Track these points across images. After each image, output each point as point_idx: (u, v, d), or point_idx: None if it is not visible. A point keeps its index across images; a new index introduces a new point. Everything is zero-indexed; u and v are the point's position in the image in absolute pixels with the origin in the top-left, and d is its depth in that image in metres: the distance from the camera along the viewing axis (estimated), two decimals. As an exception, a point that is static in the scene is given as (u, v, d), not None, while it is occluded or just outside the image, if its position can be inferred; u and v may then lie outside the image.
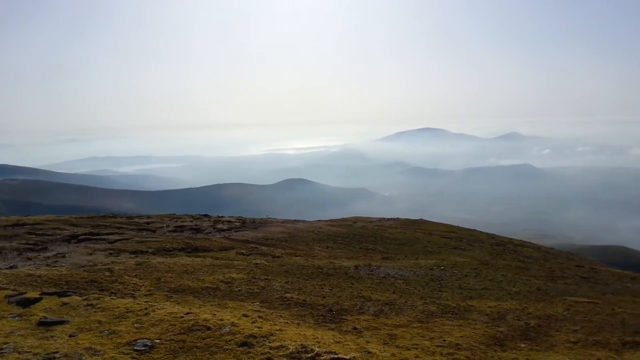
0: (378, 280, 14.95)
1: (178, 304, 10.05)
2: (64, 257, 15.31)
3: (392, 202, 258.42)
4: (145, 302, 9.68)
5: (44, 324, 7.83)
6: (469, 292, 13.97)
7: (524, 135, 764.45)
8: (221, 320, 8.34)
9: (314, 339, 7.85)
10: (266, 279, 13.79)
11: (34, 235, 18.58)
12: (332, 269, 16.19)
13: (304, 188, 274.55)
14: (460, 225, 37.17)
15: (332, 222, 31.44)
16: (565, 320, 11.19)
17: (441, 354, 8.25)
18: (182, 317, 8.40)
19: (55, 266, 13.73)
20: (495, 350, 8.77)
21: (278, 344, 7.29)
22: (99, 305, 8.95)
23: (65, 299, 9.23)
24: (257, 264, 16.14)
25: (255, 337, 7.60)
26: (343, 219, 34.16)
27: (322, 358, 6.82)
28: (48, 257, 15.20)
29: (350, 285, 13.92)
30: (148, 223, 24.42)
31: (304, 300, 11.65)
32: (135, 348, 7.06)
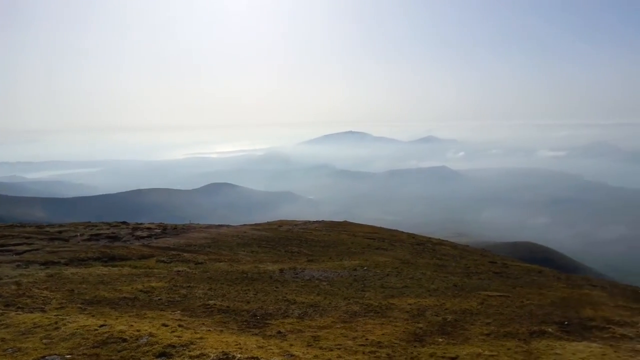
0: (303, 283, 14.99)
1: (92, 316, 9.56)
2: (-38, 271, 14.08)
3: (317, 204, 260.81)
4: (55, 315, 9.13)
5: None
6: (391, 291, 14.34)
7: (441, 138, 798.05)
8: (138, 331, 8.04)
9: (236, 345, 7.75)
10: (188, 286, 13.42)
11: None
12: (257, 274, 16.05)
13: (228, 192, 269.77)
14: (383, 227, 38.20)
15: (257, 226, 31.22)
16: (479, 314, 11.77)
17: (363, 353, 8.41)
18: (96, 329, 8.04)
19: (-47, 282, 12.59)
20: (415, 346, 9.06)
21: (198, 352, 7.12)
22: (3, 322, 8.33)
23: (-38, 317, 8.50)
24: (178, 271, 15.68)
25: (174, 346, 7.39)
26: (268, 223, 34.04)
27: (244, 364, 6.74)
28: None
29: (275, 289, 13.86)
30: (60, 232, 23.02)
31: (227, 306, 11.46)
32: (43, 365, 6.63)
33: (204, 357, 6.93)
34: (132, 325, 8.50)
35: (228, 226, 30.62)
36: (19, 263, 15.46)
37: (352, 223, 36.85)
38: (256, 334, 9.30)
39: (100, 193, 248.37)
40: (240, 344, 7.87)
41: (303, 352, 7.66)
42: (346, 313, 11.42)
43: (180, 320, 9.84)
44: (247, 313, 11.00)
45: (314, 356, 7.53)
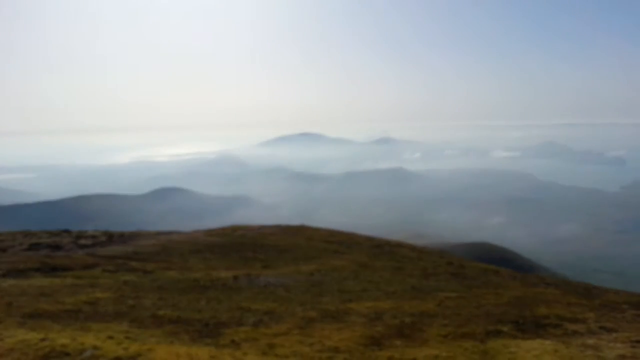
0: (258, 290, 14.63)
1: (33, 330, 8.99)
2: None
3: (273, 208, 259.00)
4: (-8, 331, 8.49)
5: None
6: (348, 295, 14.19)
7: (397, 139, 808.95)
8: (82, 344, 7.61)
9: (188, 356, 7.43)
10: (136, 296, 12.83)
11: None
12: (210, 281, 15.58)
13: (178, 197, 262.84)
14: (340, 229, 38.15)
15: (210, 232, 30.51)
16: (437, 315, 11.76)
17: (320, 359, 8.20)
18: (37, 344, 7.62)
19: None
20: (372, 350, 8.93)
21: (146, 365, 6.73)
22: None
23: None
24: (125, 281, 15.02)
25: (120, 359, 7.03)
26: (221, 228, 33.34)
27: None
28: None
29: (228, 297, 13.44)
30: (-2, 242, 21.76)
31: (178, 316, 10.99)
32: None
33: (151, 370, 6.54)
34: (75, 339, 8.04)
35: (179, 232, 29.81)
36: (-49, 276, 14.44)
37: (308, 227, 36.63)
38: (209, 344, 8.94)
39: (40, 200, 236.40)
40: (191, 354, 7.58)
41: (257, 362, 7.37)
42: (303, 319, 11.16)
43: (127, 332, 9.36)
44: (199, 322, 10.58)
45: (269, 365, 7.25)
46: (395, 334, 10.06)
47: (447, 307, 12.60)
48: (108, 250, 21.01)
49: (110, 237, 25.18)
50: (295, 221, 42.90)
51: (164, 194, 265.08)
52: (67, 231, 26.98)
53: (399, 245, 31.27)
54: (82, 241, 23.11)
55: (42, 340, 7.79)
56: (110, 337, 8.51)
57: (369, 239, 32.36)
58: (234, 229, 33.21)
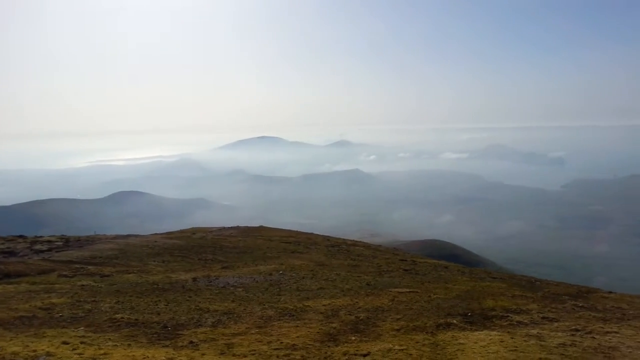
0: (217, 291, 14.71)
1: (-18, 339, 8.78)
2: None
3: (233, 210, 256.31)
4: (-61, 341, 8.28)
5: None
6: (306, 293, 14.47)
7: (353, 142, 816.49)
8: (34, 351, 7.54)
9: (144, 358, 7.49)
10: (93, 300, 12.70)
11: None
12: (169, 284, 15.53)
13: (137, 201, 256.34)
14: (299, 230, 38.41)
15: (169, 235, 30.19)
16: (390, 310, 12.19)
17: (278, 357, 8.42)
18: None
19: None
20: (328, 346, 9.21)
21: (103, 368, 6.77)
22: None
23: None
24: (82, 285, 14.79)
25: (76, 364, 6.99)
26: (181, 231, 33.04)
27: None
28: None
29: (187, 298, 13.48)
30: (-55, 250, 20.90)
31: (136, 319, 10.98)
32: None
33: (109, 373, 6.61)
34: (27, 346, 7.93)
35: (137, 236, 29.32)
36: None
37: (267, 228, 36.71)
38: (167, 346, 9.01)
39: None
40: (148, 357, 7.63)
41: (215, 361, 7.53)
42: (261, 318, 11.36)
43: (83, 337, 9.30)
44: (157, 325, 10.62)
45: (227, 364, 7.42)
46: (350, 330, 10.41)
47: (400, 302, 13.07)
48: (64, 255, 20.52)
49: (67, 242, 24.55)
50: (254, 223, 42.87)
51: (122, 197, 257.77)
52: (21, 237, 26.12)
53: (354, 244, 31.79)
54: (38, 246, 22.45)
55: (-8, 348, 7.65)
56: (65, 343, 8.46)
57: (326, 239, 32.75)
58: (194, 231, 32.96)
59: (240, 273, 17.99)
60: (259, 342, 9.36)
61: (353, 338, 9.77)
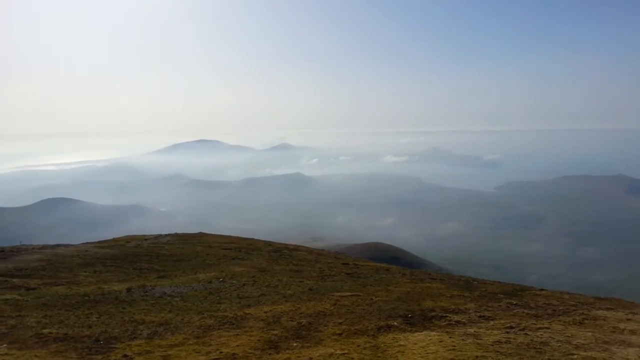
0: (153, 301, 14.16)
1: None
2: None
3: (170, 217, 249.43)
4: None
5: None
6: (247, 301, 14.20)
7: (294, 145, 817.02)
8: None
9: (74, 376, 7.01)
10: (18, 315, 11.90)
11: None
12: (101, 295, 14.80)
13: (67, 208, 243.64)
14: (240, 236, 37.87)
15: (101, 244, 28.89)
16: (332, 314, 12.17)
17: (217, 367, 8.17)
18: None
19: None
20: (269, 354, 9.06)
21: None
22: None
23: None
24: (6, 299, 13.83)
25: (-4, 387, 6.48)
26: (114, 239, 31.70)
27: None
28: None
29: (121, 310, 12.88)
30: None
31: (65, 333, 10.37)
32: None
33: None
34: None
35: (67, 245, 27.86)
36: None
37: (207, 234, 35.94)
38: (98, 361, 8.54)
39: None
40: (78, 374, 7.15)
41: (151, 375, 7.18)
42: (200, 328, 11.02)
43: (6, 355, 8.68)
44: (88, 339, 10.07)
45: (164, 378, 7.10)
46: (292, 336, 10.28)
47: (342, 306, 13.09)
48: (-17, 268, 19.13)
49: (-14, 254, 22.93)
50: (193, 229, 41.86)
51: (50, 205, 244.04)
52: None
53: (297, 249, 31.72)
54: (-48, 260, 20.83)
55: None
56: (-14, 362, 7.85)
57: (267, 244, 32.47)
58: (128, 239, 31.72)
59: (178, 282, 17.45)
60: (197, 352, 9.07)
61: (294, 344, 9.66)
